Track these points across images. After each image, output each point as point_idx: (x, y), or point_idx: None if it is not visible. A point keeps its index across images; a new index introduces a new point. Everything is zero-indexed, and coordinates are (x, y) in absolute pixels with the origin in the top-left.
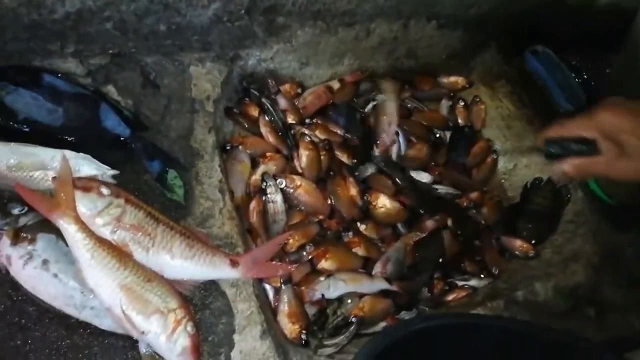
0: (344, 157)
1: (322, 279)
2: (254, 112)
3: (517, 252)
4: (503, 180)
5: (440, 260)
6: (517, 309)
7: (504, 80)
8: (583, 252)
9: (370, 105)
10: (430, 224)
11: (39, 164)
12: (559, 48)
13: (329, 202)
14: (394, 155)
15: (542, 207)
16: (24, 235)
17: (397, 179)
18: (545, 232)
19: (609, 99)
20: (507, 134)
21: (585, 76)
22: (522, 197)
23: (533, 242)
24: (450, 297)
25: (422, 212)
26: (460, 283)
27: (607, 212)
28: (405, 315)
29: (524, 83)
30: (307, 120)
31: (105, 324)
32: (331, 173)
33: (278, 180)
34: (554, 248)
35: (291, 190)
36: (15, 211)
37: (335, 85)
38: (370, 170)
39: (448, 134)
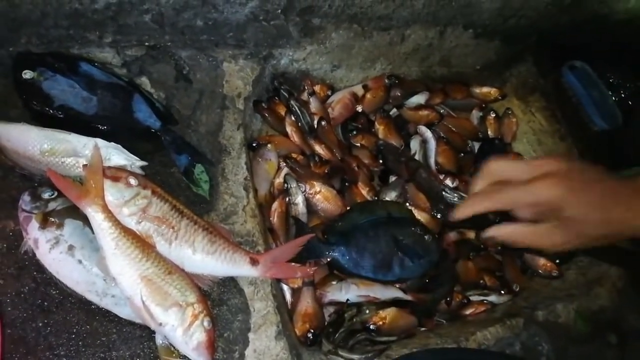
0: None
1: (334, 282)
2: (282, 110)
3: (540, 271)
4: None
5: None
6: (537, 329)
7: (539, 94)
8: (608, 276)
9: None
10: (452, 236)
11: (71, 151)
12: (597, 64)
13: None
14: (418, 155)
15: None
16: (52, 219)
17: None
18: (570, 253)
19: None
20: (537, 149)
21: (623, 94)
22: None
23: (557, 261)
24: (467, 311)
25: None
26: (478, 299)
27: None
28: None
29: (558, 98)
30: None
31: (124, 312)
32: (346, 184)
33: (299, 185)
34: (578, 269)
35: (310, 196)
36: (46, 195)
37: (359, 91)
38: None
39: (477, 145)
